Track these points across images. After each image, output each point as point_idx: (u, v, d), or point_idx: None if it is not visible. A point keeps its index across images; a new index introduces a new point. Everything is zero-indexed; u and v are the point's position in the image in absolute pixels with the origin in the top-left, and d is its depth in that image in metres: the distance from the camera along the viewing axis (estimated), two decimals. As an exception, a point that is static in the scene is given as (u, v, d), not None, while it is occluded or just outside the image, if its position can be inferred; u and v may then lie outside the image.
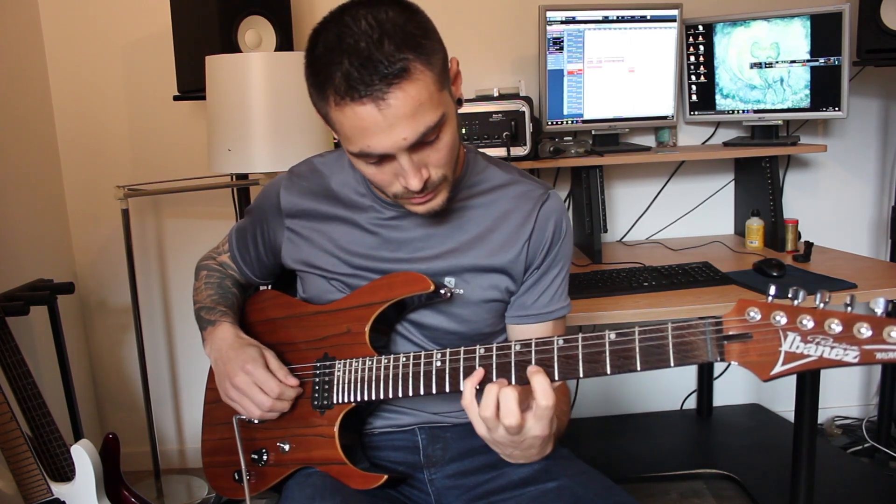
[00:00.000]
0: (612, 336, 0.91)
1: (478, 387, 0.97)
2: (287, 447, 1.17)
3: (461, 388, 1.00)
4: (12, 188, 2.16)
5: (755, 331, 0.82)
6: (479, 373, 0.98)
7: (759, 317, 0.81)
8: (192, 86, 2.10)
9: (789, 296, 0.80)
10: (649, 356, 0.88)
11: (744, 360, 0.82)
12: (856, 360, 0.75)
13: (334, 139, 2.05)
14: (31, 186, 2.27)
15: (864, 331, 0.74)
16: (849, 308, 0.77)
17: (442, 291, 1.11)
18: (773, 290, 0.83)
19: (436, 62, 0.96)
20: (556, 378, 0.94)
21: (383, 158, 0.99)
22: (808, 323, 0.78)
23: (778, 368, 0.80)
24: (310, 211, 1.20)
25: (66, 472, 1.65)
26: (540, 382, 0.93)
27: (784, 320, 0.80)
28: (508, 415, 0.93)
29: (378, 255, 1.17)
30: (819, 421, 2.23)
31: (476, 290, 1.15)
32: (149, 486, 2.38)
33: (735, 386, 2.74)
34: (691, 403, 2.75)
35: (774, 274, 1.96)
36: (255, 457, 1.20)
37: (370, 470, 1.12)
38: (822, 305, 0.78)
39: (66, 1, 2.34)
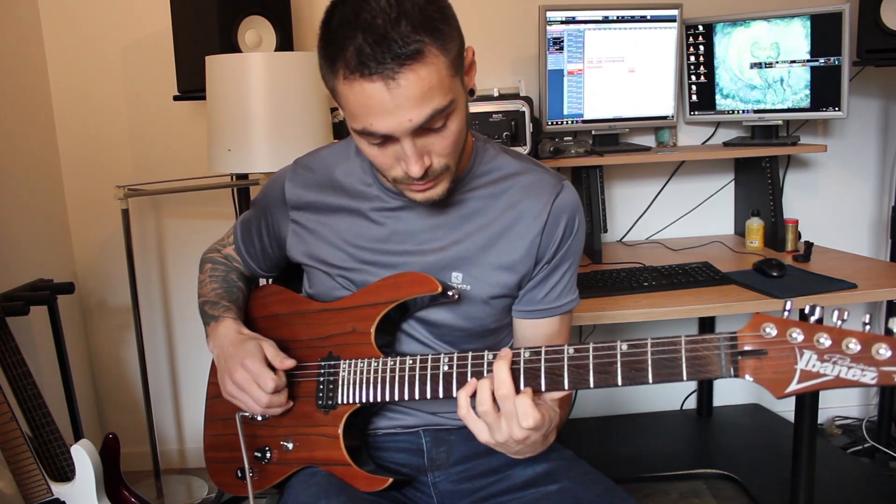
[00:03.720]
0: (624, 347, 0.89)
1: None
2: (291, 446, 1.16)
3: None
4: (12, 188, 2.16)
5: (770, 347, 0.80)
6: (472, 384, 0.97)
7: (774, 333, 0.80)
8: (192, 86, 2.09)
9: (805, 311, 0.79)
10: (662, 369, 0.87)
11: (758, 376, 0.81)
12: (874, 382, 0.73)
13: (335, 140, 2.05)
14: (31, 186, 2.27)
15: (883, 351, 0.72)
16: (867, 327, 0.75)
17: (450, 293, 1.10)
18: (788, 304, 0.81)
19: (451, 48, 0.95)
20: (567, 388, 0.93)
21: (386, 140, 0.97)
22: (826, 341, 0.76)
23: (793, 387, 0.78)
24: (315, 203, 1.19)
25: (66, 472, 1.65)
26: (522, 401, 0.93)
27: (801, 337, 0.78)
28: (525, 418, 0.92)
29: (384, 248, 1.15)
30: (819, 421, 2.23)
31: (484, 287, 1.13)
32: (149, 486, 2.38)
33: (735, 386, 2.73)
34: (691, 403, 2.75)
35: (774, 274, 1.96)
36: (259, 454, 1.19)
37: (375, 472, 1.11)
38: (839, 323, 0.76)
39: (66, 1, 2.34)
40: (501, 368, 0.94)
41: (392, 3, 0.90)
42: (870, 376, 0.73)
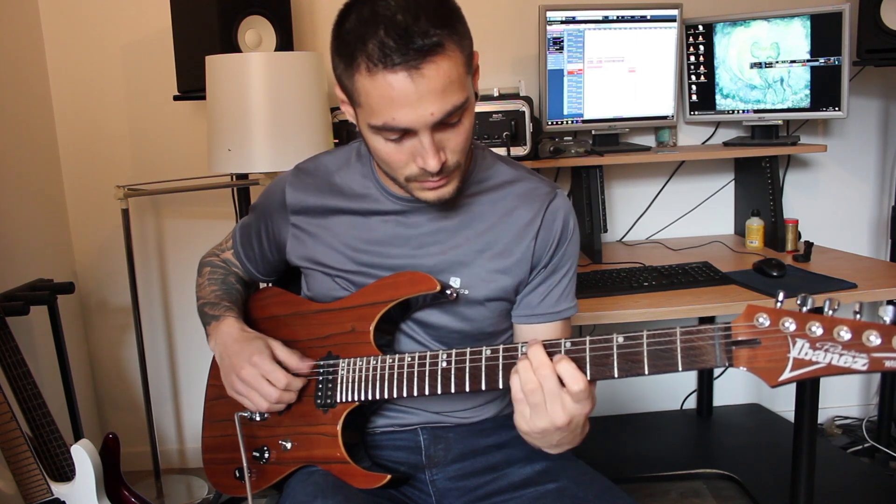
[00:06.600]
0: (620, 339, 0.90)
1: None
2: (289, 445, 1.17)
3: (466, 389, 1.00)
4: (12, 188, 2.16)
5: (764, 337, 0.81)
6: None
7: (767, 323, 0.81)
8: (192, 86, 2.09)
9: (798, 302, 0.80)
10: (657, 360, 0.88)
11: (752, 365, 0.82)
12: (865, 368, 0.74)
13: (335, 141, 2.05)
14: (31, 186, 2.27)
15: (874, 338, 0.74)
16: (858, 315, 0.76)
17: (448, 292, 1.11)
18: (781, 295, 0.82)
19: (466, 46, 0.98)
20: None
21: (404, 136, 0.98)
22: (817, 330, 0.77)
23: (786, 375, 0.79)
24: (315, 207, 1.20)
25: (66, 472, 1.65)
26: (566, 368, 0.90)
27: (793, 327, 0.79)
28: (574, 381, 0.89)
29: (383, 251, 1.16)
30: (819, 421, 2.23)
31: (481, 290, 1.14)
32: (149, 486, 2.38)
33: (735, 386, 2.74)
34: (691, 403, 2.75)
35: (774, 274, 1.96)
36: (257, 454, 1.19)
37: (373, 469, 1.11)
38: (830, 312, 0.78)
39: (66, 1, 2.34)
40: (537, 351, 0.91)
41: (409, 1, 0.93)
42: (861, 362, 0.75)
